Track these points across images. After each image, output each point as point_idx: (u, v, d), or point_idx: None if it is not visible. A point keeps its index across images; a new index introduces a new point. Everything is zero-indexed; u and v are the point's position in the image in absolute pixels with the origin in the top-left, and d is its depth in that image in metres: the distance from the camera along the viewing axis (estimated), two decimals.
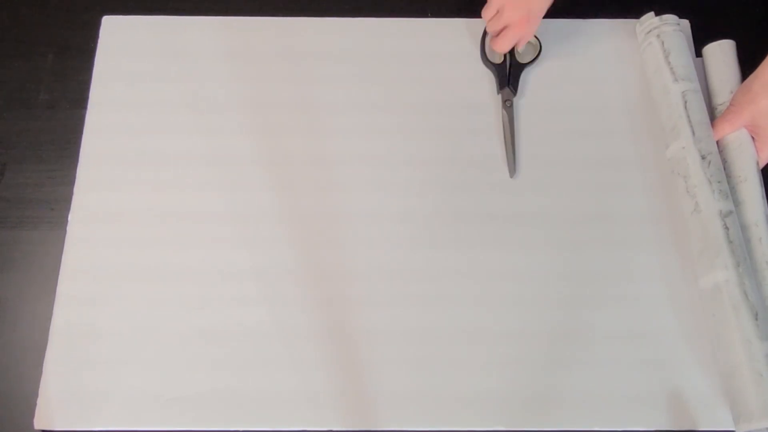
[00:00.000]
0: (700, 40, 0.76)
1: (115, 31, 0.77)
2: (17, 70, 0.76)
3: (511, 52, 0.75)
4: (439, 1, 0.80)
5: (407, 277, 0.67)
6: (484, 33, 0.76)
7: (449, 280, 0.66)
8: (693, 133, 0.66)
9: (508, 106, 0.73)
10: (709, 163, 0.65)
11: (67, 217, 0.68)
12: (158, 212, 0.68)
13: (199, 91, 0.74)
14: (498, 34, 0.72)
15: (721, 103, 0.70)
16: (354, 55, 0.76)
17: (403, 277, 0.67)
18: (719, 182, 0.65)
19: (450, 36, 0.77)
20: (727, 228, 0.63)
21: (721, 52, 0.72)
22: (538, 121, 0.73)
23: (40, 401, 0.62)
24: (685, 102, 0.68)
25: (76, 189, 0.70)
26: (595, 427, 0.62)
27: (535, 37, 0.76)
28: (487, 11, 0.72)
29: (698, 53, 0.76)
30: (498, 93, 0.74)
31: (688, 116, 0.67)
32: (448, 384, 0.63)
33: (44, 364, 0.63)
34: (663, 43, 0.70)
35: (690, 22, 0.77)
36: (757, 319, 0.59)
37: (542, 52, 0.75)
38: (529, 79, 0.75)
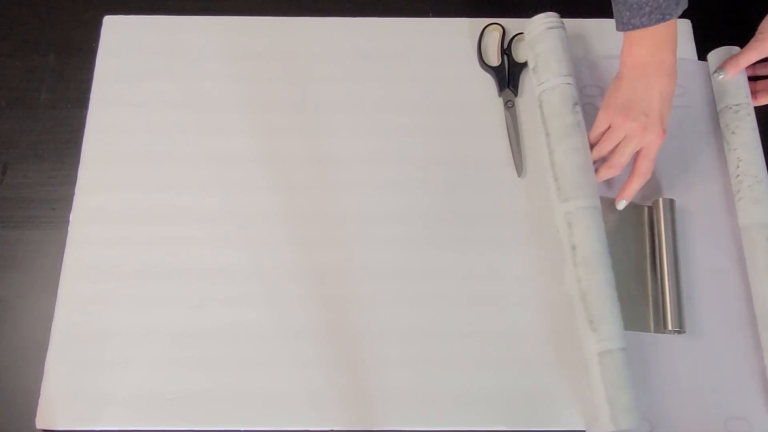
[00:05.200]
0: (701, 40, 0.76)
1: (117, 31, 0.77)
2: (19, 69, 0.76)
3: (509, 52, 0.75)
4: (440, 0, 0.80)
5: (407, 276, 0.67)
6: (481, 35, 0.76)
7: (449, 280, 0.67)
8: (546, 133, 0.68)
9: (510, 106, 0.73)
10: (553, 163, 0.67)
11: (68, 216, 0.68)
12: (158, 212, 0.69)
13: (200, 90, 0.74)
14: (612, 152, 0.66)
15: (735, 103, 0.70)
16: (354, 55, 0.76)
17: (403, 277, 0.67)
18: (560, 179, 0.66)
19: (451, 36, 0.77)
20: (570, 229, 0.64)
21: (728, 57, 0.72)
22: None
23: (41, 401, 0.62)
24: (540, 102, 0.70)
25: (77, 189, 0.70)
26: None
27: None
28: (598, 129, 0.67)
29: (699, 53, 0.76)
30: (499, 95, 0.74)
31: (543, 115, 0.69)
32: (448, 384, 0.63)
33: (46, 363, 0.63)
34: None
35: (691, 22, 0.77)
36: (592, 328, 0.60)
37: None
38: (528, 78, 0.75)
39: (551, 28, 0.70)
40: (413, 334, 0.65)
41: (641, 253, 0.67)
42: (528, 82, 0.75)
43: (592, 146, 0.67)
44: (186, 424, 0.62)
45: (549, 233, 0.68)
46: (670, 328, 0.63)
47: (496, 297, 0.66)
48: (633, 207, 0.69)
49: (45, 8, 0.79)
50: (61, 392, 0.62)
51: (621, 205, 0.68)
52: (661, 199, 0.68)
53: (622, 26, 0.62)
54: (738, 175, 0.68)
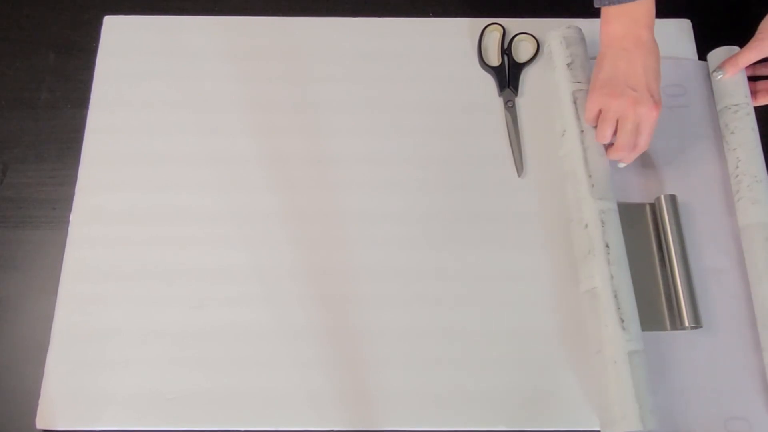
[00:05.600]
0: (701, 40, 0.76)
1: (117, 31, 0.77)
2: (19, 69, 0.76)
3: (509, 52, 0.75)
4: (441, 0, 0.80)
5: (407, 276, 0.67)
6: (482, 35, 0.76)
7: (449, 280, 0.67)
8: (581, 130, 0.67)
9: (510, 106, 0.73)
10: (587, 160, 0.66)
11: (68, 216, 0.68)
12: (158, 212, 0.69)
13: (201, 90, 0.74)
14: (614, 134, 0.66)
15: (735, 103, 0.70)
16: (354, 55, 0.76)
17: (402, 277, 0.67)
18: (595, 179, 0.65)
19: (451, 36, 0.77)
20: (604, 227, 0.63)
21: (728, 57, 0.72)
22: (540, 119, 0.73)
23: (41, 401, 0.62)
24: (575, 99, 0.69)
25: (77, 189, 0.70)
26: (596, 427, 0.62)
27: (533, 36, 0.76)
28: (590, 113, 0.66)
29: (699, 53, 0.76)
30: (499, 95, 0.74)
31: (577, 111, 0.68)
32: (449, 384, 0.63)
33: (46, 363, 0.63)
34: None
35: (691, 22, 0.77)
36: (623, 327, 0.60)
37: (540, 51, 0.75)
38: (528, 78, 0.75)
39: (582, 39, 0.72)
40: (413, 334, 0.65)
41: (648, 251, 0.67)
42: (528, 81, 0.75)
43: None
44: (186, 424, 0.62)
45: (549, 233, 0.68)
46: (686, 324, 0.63)
47: (495, 297, 0.66)
48: (634, 206, 0.69)
49: (45, 8, 0.79)
50: (61, 392, 0.62)
51: (621, 165, 0.68)
52: (662, 196, 0.68)
53: (599, 1, 0.63)
54: (737, 175, 0.68)
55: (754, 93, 0.72)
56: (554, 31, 0.72)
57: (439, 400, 0.63)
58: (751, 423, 0.62)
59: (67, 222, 0.68)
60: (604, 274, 0.62)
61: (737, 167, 0.68)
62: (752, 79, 0.73)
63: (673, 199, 0.68)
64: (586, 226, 0.64)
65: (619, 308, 0.61)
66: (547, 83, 0.74)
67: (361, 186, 0.70)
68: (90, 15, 0.78)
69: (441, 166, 0.71)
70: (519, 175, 0.71)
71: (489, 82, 0.75)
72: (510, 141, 0.72)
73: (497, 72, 0.75)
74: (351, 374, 0.63)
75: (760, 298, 0.64)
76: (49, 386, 0.62)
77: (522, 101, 0.74)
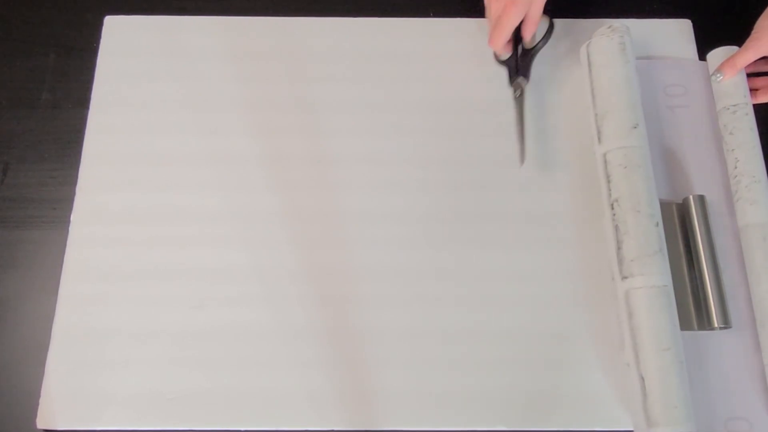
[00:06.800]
0: (701, 40, 0.76)
1: (118, 31, 0.77)
2: (19, 69, 0.76)
3: (518, 40, 0.74)
4: (441, 0, 0.80)
5: (408, 276, 0.67)
6: None
7: (450, 280, 0.67)
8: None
9: (518, 95, 0.73)
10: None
11: (69, 216, 0.69)
12: (159, 212, 0.69)
13: (201, 90, 0.74)
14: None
15: (733, 104, 0.70)
16: (355, 55, 0.76)
17: (403, 277, 0.67)
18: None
19: (453, 36, 0.77)
20: (659, 230, 0.64)
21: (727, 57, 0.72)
22: (540, 118, 0.73)
23: (42, 401, 0.62)
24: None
25: (78, 189, 0.70)
26: (596, 427, 0.62)
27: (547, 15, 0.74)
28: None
29: (699, 53, 0.76)
30: (510, 85, 0.73)
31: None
32: (448, 384, 0.63)
33: (46, 363, 0.63)
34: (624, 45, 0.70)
35: (691, 22, 0.77)
36: (681, 327, 0.61)
37: (552, 30, 0.74)
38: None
39: None
40: (413, 334, 0.65)
41: (676, 250, 0.67)
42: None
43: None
44: (186, 424, 0.62)
45: (550, 233, 0.68)
46: (716, 325, 0.63)
47: (496, 297, 0.66)
48: (662, 204, 0.68)
49: (45, 8, 0.79)
50: (62, 392, 0.62)
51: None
52: (691, 196, 0.68)
53: None
54: (736, 176, 0.68)
55: (754, 91, 0.72)
56: (624, 26, 0.71)
57: (439, 400, 0.63)
58: (751, 423, 0.62)
59: (68, 222, 0.68)
60: (669, 274, 0.62)
61: (736, 167, 0.68)
62: (753, 75, 0.73)
63: (702, 200, 0.68)
64: (657, 224, 0.64)
65: (679, 309, 0.62)
66: (548, 83, 0.74)
67: (361, 186, 0.70)
68: (91, 15, 0.78)
69: (441, 166, 0.71)
70: (521, 164, 0.70)
71: (489, 82, 0.75)
72: (516, 128, 0.71)
73: (508, 62, 0.74)
74: (351, 374, 0.63)
75: (759, 298, 0.64)
76: (49, 386, 0.63)
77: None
